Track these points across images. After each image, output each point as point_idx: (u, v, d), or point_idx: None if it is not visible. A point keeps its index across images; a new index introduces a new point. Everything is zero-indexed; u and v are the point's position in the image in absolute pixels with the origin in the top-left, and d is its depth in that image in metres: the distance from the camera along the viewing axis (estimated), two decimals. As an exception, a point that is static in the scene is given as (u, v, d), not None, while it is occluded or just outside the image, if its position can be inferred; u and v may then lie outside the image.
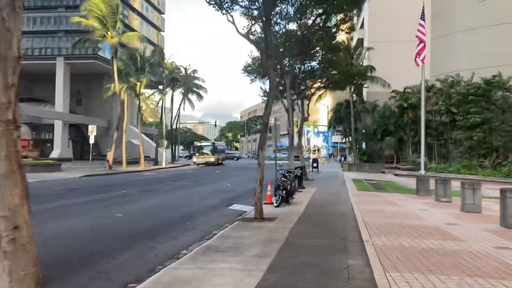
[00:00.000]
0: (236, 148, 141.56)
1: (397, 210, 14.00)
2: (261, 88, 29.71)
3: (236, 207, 15.46)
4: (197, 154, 54.30)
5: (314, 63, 26.31)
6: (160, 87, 55.36)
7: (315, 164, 39.68)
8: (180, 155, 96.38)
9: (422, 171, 20.13)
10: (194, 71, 68.40)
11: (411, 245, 8.32)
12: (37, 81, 62.32)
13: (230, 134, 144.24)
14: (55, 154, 53.57)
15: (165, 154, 49.36)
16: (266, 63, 10.76)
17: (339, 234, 9.66)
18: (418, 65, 19.29)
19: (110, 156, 38.98)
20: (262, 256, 7.40)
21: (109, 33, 39.82)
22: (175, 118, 70.94)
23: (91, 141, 35.45)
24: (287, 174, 15.33)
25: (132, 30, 56.90)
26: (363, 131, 50.18)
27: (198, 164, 53.16)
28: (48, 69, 55.86)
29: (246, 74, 25.20)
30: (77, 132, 61.57)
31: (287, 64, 20.58)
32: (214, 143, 57.70)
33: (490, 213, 13.73)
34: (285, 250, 7.88)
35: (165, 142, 49.96)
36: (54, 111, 53.70)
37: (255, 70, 24.96)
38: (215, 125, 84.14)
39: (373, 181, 29.31)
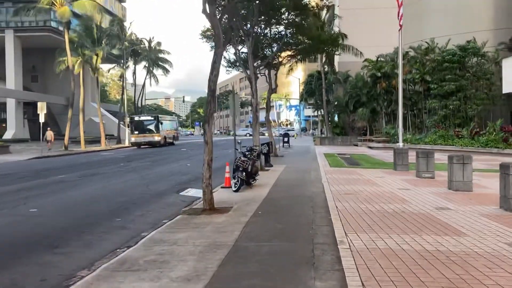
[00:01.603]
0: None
1: (376, 191, 11.95)
2: (224, 57, 27.00)
3: (190, 192, 13.17)
4: (136, 132, 41.70)
5: (281, 28, 23.83)
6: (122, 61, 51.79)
7: (286, 139, 37.56)
8: None
9: (400, 144, 18.21)
10: (158, 43, 64.85)
11: (402, 247, 6.21)
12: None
13: (201, 110, 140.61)
14: (8, 135, 49.76)
15: (127, 133, 46.31)
16: (209, 8, 8.26)
17: (305, 230, 7.47)
18: (400, 25, 17.09)
19: (49, 135, 36.16)
20: (193, 277, 5.12)
21: (57, 0, 36.10)
22: (140, 93, 67.54)
23: (41, 119, 32.29)
24: (247, 153, 13.04)
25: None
26: (335, 103, 48.23)
27: (137, 146, 41.83)
28: (-1, 43, 51.51)
29: (205, 40, 22.50)
30: (34, 111, 57.47)
31: (248, 25, 18.02)
32: (158, 117, 44.03)
33: (482, 191, 11.84)
34: (229, 264, 5.63)
35: (127, 119, 46.69)
36: (4, 89, 49.49)
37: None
38: (183, 101, 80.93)
39: (346, 155, 27.42)
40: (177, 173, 18.20)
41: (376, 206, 9.66)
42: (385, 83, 39.83)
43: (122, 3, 70.97)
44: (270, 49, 24.65)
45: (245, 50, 22.33)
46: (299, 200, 10.63)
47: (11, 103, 50.74)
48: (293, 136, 59.75)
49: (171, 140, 46.95)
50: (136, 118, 43.62)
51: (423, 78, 36.81)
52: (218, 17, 9.69)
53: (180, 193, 12.96)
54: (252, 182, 13.19)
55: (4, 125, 53.72)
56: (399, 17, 16.77)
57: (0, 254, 6.67)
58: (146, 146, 41.69)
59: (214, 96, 8.98)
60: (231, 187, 12.54)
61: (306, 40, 25.05)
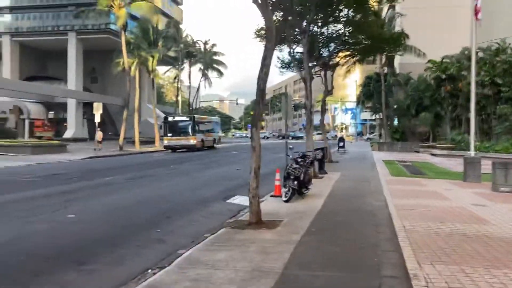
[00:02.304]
0: (262, 127, 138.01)
1: (446, 206, 10.45)
2: (278, 57, 25.99)
3: (238, 199, 12.22)
4: (169, 135, 37.24)
5: (338, 26, 22.43)
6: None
7: (341, 143, 35.94)
8: None
9: (472, 152, 16.33)
10: (213, 45, 64.93)
11: (494, 288, 4.88)
12: (51, 58, 60.30)
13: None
14: (69, 134, 51.49)
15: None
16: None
17: (369, 257, 6.25)
18: (478, 19, 15.25)
19: (99, 135, 36.02)
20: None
21: (115, 2, 36.64)
22: (194, 96, 68.04)
23: (97, 119, 32.80)
24: (299, 160, 11.90)
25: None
26: (395, 106, 45.90)
27: (171, 150, 37.20)
28: (62, 45, 53.47)
29: (259, 39, 21.58)
30: (92, 111, 59.35)
31: (304, 23, 16.85)
32: (194, 117, 39.00)
33: None
34: (274, 302, 4.56)
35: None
36: (66, 89, 51.30)
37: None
38: (237, 103, 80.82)
39: (407, 162, 25.53)
40: (226, 178, 17.36)
41: (450, 226, 8.23)
42: (450, 86, 37.35)
43: (179, 6, 71.90)
44: (326, 49, 23.31)
45: (300, 49, 21.19)
46: (359, 216, 9.36)
47: (71, 104, 52.46)
48: (350, 140, 57.59)
49: (210, 144, 42.54)
50: (170, 119, 39.49)
51: (492, 80, 34.08)
52: (270, 9, 8.67)
53: (227, 200, 12.05)
54: (305, 192, 12.03)
55: (65, 124, 55.69)
56: (476, 11, 14.98)
57: (18, 270, 5.98)
58: (183, 150, 36.87)
59: (263, 96, 7.96)
60: (281, 196, 11.47)
61: (365, 40, 23.53)
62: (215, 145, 43.84)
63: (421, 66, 42.23)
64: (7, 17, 55.82)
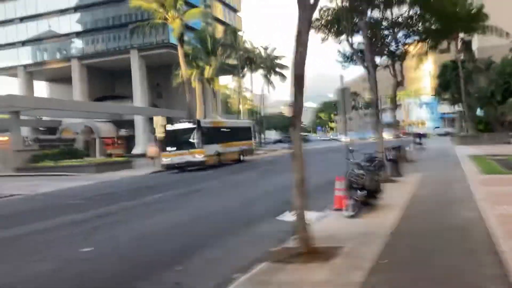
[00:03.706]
0: (332, 129, 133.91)
1: None
2: (338, 51, 23.58)
3: (290, 217, 10.18)
4: (168, 149, 27.77)
5: (404, 9, 19.72)
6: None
7: (418, 140, 32.55)
8: (274, 139, 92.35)
9: None
10: (274, 49, 63.27)
11: None
12: (118, 78, 61.84)
13: (322, 114, 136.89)
14: (137, 150, 52.09)
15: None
16: None
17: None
18: None
19: (151, 151, 32.60)
20: None
21: (169, 14, 36.13)
22: (260, 102, 66.82)
23: (157, 133, 32.22)
24: (363, 164, 9.63)
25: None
26: (476, 95, 41.30)
27: (173, 168, 27.72)
28: (126, 64, 54.68)
29: (314, 31, 19.44)
30: (161, 127, 59.95)
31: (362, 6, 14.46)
32: (199, 122, 28.64)
33: None
34: None
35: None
36: (132, 106, 52.09)
37: (324, 25, 19.11)
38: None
39: (499, 156, 21.95)
40: (283, 189, 15.07)
41: None
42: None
43: (237, 13, 71.34)
44: (392, 36, 20.61)
45: (360, 38, 18.73)
46: (447, 237, 6.96)
47: (138, 120, 53.17)
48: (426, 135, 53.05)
49: (234, 157, 31.77)
50: (169, 128, 29.17)
51: None
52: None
53: (277, 218, 10.03)
54: (374, 203, 9.74)
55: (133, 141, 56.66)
56: None
57: None
58: (193, 168, 27.47)
59: (301, 85, 5.95)
60: (342, 210, 9.29)
61: (436, 22, 20.60)
62: (242, 158, 32.98)
63: (504, 49, 37.61)
64: (74, 42, 58.10)
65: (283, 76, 65.00)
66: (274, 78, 65.08)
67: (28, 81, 59.71)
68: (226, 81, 62.81)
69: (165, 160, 27.85)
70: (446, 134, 67.12)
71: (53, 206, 15.15)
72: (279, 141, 79.43)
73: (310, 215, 10.04)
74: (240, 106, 48.93)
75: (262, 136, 69.97)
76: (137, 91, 53.95)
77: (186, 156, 27.12)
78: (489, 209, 8.61)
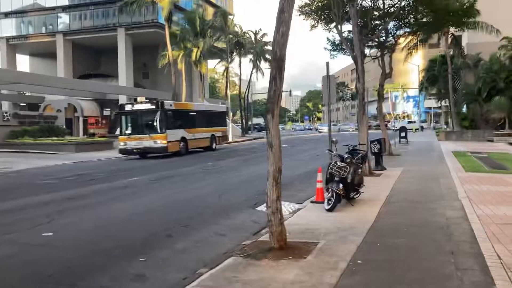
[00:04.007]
0: (319, 119, 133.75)
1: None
2: (328, 39, 23.15)
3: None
4: (127, 132, 25.08)
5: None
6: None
7: (403, 134, 32.39)
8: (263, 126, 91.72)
9: None
10: (264, 35, 62.49)
11: None
12: (104, 56, 60.50)
13: (310, 104, 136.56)
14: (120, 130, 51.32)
15: (231, 128, 44.62)
16: None
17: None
18: None
19: None
20: None
21: (159, -8, 35.24)
22: (246, 88, 66.14)
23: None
24: (346, 157, 9.27)
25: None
26: (463, 91, 41.24)
27: (130, 153, 25.05)
28: (113, 43, 53.37)
29: (304, 17, 18.93)
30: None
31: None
32: (162, 104, 24.91)
33: None
34: None
35: (230, 114, 44.88)
36: (116, 86, 50.88)
37: (314, 11, 18.59)
38: (290, 94, 77.91)
39: (481, 153, 21.90)
40: (264, 177, 14.87)
41: None
42: (529, 65, 32.63)
43: (229, -4, 70.19)
44: (382, 26, 20.22)
45: (350, 27, 18.30)
46: (428, 236, 6.64)
47: (122, 100, 52.07)
48: (412, 129, 53.04)
49: (205, 144, 29.13)
50: (127, 108, 25.75)
51: None
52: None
53: (257, 208, 9.66)
54: (355, 197, 9.42)
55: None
56: None
57: None
58: (139, 154, 24.82)
59: (281, 68, 5.51)
60: (323, 203, 8.95)
61: (428, 14, 20.26)
62: (215, 145, 30.31)
63: (493, 46, 37.48)
64: (60, 16, 56.49)
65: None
66: (263, 64, 64.53)
67: (11, 54, 57.92)
68: (215, 65, 61.58)
69: (121, 145, 24.96)
70: (434, 128, 67.48)
71: (24, 185, 14.58)
72: (262, 128, 79.02)
73: (289, 207, 9.77)
74: (228, 91, 48.13)
75: (250, 122, 69.50)
76: (122, 70, 52.79)
77: (145, 141, 24.22)
78: (472, 209, 8.34)
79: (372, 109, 64.76)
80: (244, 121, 62.84)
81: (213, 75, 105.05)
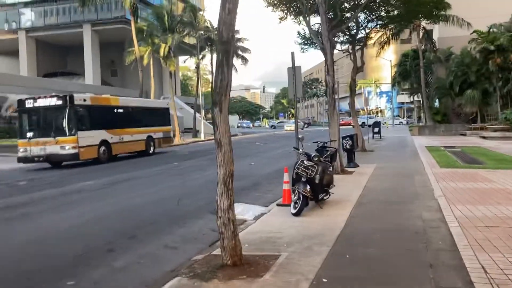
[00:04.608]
0: (293, 115, 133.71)
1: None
2: (298, 32, 22.34)
3: (237, 209, 8.89)
4: (28, 135, 19.63)
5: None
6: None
7: (376, 129, 32.00)
8: (238, 124, 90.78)
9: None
10: (237, 31, 61.46)
11: None
12: (70, 54, 58.53)
13: (284, 101, 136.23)
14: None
15: (203, 125, 43.56)
16: None
17: None
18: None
19: None
20: None
21: (122, -15, 33.82)
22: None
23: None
24: (313, 155, 8.44)
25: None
26: (435, 85, 41.25)
27: (30, 161, 19.86)
28: (79, 40, 51.48)
29: (272, 8, 18.05)
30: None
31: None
32: (72, 98, 19.75)
33: None
34: None
35: (203, 112, 43.78)
36: (82, 84, 49.04)
37: (283, 2, 17.76)
38: (263, 91, 77.29)
39: (455, 148, 21.57)
40: (236, 176, 13.90)
41: None
42: (500, 58, 32.64)
43: (200, -8, 68.78)
44: (352, 15, 19.58)
45: (319, 19, 17.57)
46: (403, 244, 5.87)
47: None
48: (384, 124, 53.00)
49: (140, 147, 24.55)
50: (28, 103, 20.21)
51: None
52: None
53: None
54: (325, 198, 8.62)
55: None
56: None
57: None
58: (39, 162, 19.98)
59: (228, 52, 4.63)
60: (290, 205, 8.12)
61: (397, 6, 19.76)
62: (152, 149, 25.81)
63: (464, 40, 37.48)
64: (22, 12, 54.17)
65: (245, 60, 63.50)
66: (236, 61, 63.52)
67: (-30, 52, 55.53)
68: (185, 61, 60.19)
69: (21, 151, 19.71)
70: (407, 123, 67.81)
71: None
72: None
73: (253, 211, 8.91)
74: (199, 88, 46.98)
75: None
76: (89, 68, 51.08)
77: (50, 147, 19.18)
78: (449, 209, 7.65)
79: (344, 104, 64.60)
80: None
81: (186, 72, 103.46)
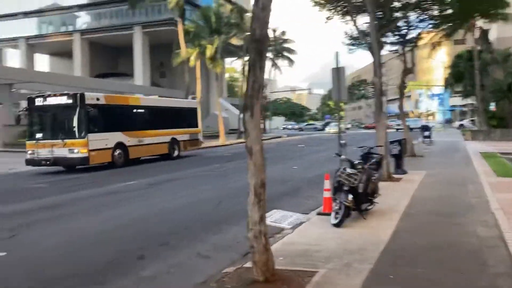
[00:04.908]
0: (341, 117, 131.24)
1: None
2: (345, 32, 21.68)
3: (274, 215, 8.60)
4: (37, 137, 18.28)
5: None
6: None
7: (426, 133, 30.60)
8: (284, 126, 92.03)
9: None
10: (283, 32, 61.19)
11: None
12: (122, 55, 60.18)
13: (331, 102, 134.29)
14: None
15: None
16: None
17: None
18: None
19: None
20: None
21: (170, -13, 34.30)
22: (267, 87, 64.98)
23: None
24: (356, 162, 7.93)
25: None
26: (491, 88, 39.12)
27: (38, 164, 18.38)
28: (130, 41, 52.94)
29: (319, 8, 17.57)
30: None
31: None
32: (82, 97, 17.96)
33: None
34: None
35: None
36: (131, 84, 50.21)
37: (329, 1, 17.23)
38: (309, 93, 76.47)
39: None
40: (276, 181, 13.38)
41: None
42: None
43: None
44: (403, 15, 18.72)
45: (368, 19, 16.90)
46: (455, 265, 5.29)
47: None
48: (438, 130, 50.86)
49: (161, 150, 22.78)
50: (38, 102, 18.61)
51: None
52: None
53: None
54: (368, 208, 8.09)
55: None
56: None
57: None
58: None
59: (262, 52, 4.28)
60: (331, 215, 7.65)
61: (452, 5, 18.69)
62: (177, 152, 23.68)
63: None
64: (77, 15, 56.33)
65: (291, 61, 63.06)
66: (281, 62, 63.20)
67: (29, 53, 58.11)
68: (231, 62, 60.54)
69: (29, 153, 18.33)
70: (461, 126, 64.73)
71: (17, 188, 13.71)
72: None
73: (292, 219, 8.51)
74: (244, 87, 46.90)
75: (268, 122, 68.21)
76: (138, 69, 52.32)
77: (57, 149, 17.65)
78: (510, 225, 6.93)
79: (393, 107, 62.67)
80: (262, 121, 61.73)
81: (232, 74, 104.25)
